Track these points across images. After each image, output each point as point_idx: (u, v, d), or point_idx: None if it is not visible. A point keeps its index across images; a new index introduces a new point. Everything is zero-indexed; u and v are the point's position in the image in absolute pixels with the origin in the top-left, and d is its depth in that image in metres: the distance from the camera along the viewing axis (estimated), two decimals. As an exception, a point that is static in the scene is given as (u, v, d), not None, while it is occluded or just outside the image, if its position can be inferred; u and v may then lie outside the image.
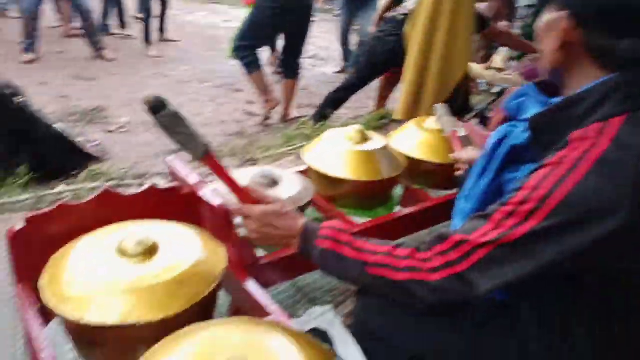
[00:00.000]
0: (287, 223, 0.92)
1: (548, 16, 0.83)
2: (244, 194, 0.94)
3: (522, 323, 0.85)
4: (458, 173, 1.38)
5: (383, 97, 3.77)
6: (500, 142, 1.00)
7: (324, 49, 6.46)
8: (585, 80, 0.80)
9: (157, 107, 0.85)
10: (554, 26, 0.81)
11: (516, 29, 4.01)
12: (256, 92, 3.78)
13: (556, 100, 0.89)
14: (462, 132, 1.61)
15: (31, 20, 4.47)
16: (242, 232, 0.96)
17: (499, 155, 0.99)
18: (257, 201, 0.95)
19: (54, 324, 0.94)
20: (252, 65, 3.55)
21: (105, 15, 5.78)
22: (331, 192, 1.59)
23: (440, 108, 1.72)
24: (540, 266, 0.74)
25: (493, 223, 0.77)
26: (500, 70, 3.72)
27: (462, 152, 1.42)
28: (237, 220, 0.95)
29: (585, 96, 0.78)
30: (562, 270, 0.77)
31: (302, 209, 1.42)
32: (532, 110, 0.96)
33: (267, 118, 3.80)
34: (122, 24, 5.80)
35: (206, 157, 0.90)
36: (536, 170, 0.77)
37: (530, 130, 0.87)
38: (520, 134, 0.97)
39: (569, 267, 0.76)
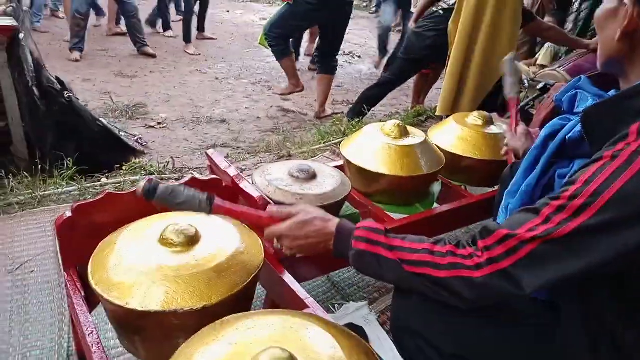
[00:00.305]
0: (316, 228, 0.91)
1: (609, 4, 0.79)
2: (266, 219, 0.96)
3: (565, 323, 0.82)
4: (503, 152, 1.34)
5: (419, 93, 3.72)
6: (552, 135, 0.96)
7: (360, 46, 6.42)
8: None
9: (150, 191, 0.87)
10: (616, 15, 0.77)
11: (569, 23, 3.84)
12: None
13: (613, 92, 0.84)
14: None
15: (80, 21, 4.64)
16: (286, 252, 0.98)
17: (550, 148, 0.95)
18: (281, 220, 0.95)
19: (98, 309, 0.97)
20: (281, 52, 3.60)
21: (152, 14, 5.93)
22: (369, 187, 1.57)
23: (509, 63, 1.47)
24: (591, 264, 0.70)
25: (542, 217, 0.73)
26: (543, 66, 3.59)
27: (511, 135, 1.36)
28: (275, 243, 0.97)
29: None
30: (614, 268, 0.73)
31: (339, 204, 1.41)
32: (588, 103, 0.91)
33: (285, 94, 4.02)
34: (165, 24, 5.94)
35: (215, 207, 0.91)
36: (590, 163, 0.73)
37: (581, 123, 0.83)
38: (574, 127, 0.92)
39: (620, 264, 0.72)
